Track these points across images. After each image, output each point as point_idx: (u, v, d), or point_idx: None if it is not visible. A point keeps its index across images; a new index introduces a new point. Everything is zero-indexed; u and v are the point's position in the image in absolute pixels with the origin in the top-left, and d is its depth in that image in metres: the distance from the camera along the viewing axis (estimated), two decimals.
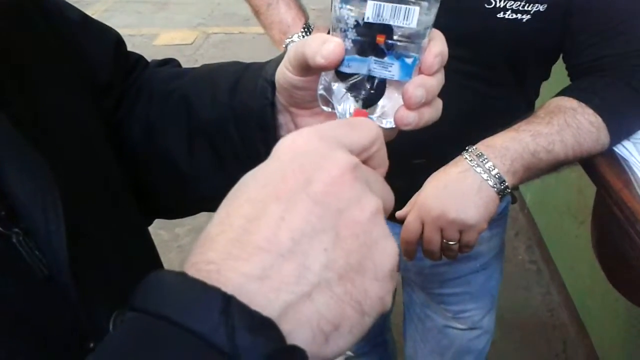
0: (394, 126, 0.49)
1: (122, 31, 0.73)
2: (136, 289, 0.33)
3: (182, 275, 0.33)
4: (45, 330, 0.44)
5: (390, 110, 0.48)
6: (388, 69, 0.47)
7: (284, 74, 0.55)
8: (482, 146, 1.02)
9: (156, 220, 0.75)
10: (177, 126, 0.66)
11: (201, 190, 0.66)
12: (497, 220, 1.32)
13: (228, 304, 0.31)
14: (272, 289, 0.32)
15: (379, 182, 0.40)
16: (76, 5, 0.66)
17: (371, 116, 0.49)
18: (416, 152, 1.08)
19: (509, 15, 1.02)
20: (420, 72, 0.47)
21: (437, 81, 0.48)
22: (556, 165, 1.04)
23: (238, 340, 0.30)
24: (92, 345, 0.46)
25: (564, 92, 1.09)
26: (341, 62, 0.46)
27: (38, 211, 0.45)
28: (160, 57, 0.77)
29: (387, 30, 0.46)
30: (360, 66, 0.47)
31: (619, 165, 1.03)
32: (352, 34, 0.46)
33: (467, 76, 1.10)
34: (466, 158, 1.02)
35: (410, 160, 1.11)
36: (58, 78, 0.58)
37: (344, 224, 0.35)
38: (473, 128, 1.05)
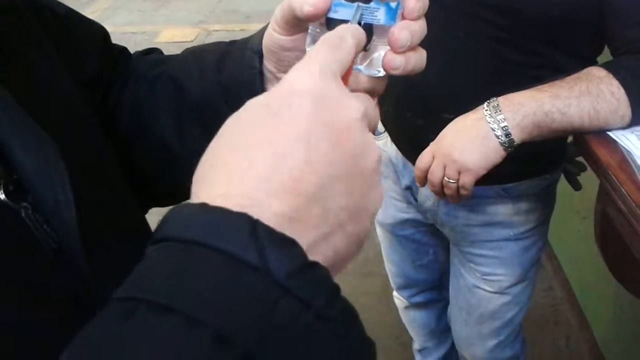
0: (382, 74, 0.50)
1: (123, 29, 0.74)
2: (158, 225, 0.35)
3: (205, 205, 0.34)
4: (56, 302, 0.45)
5: (378, 60, 0.50)
6: (374, 14, 0.49)
7: (271, 36, 0.57)
8: (501, 99, 1.09)
9: (157, 214, 0.74)
10: (167, 108, 0.67)
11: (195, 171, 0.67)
12: (537, 195, 1.37)
13: (255, 226, 0.33)
14: (300, 229, 0.35)
15: (371, 109, 0.42)
16: (78, 2, 0.67)
17: (359, 67, 0.50)
18: (447, 107, 1.18)
19: None
20: (404, 18, 0.49)
21: (420, 26, 0.49)
22: (572, 129, 1.09)
23: (268, 256, 0.32)
24: None
25: (601, 63, 1.13)
26: (329, 9, 0.48)
27: (46, 184, 0.46)
28: None
29: None
30: (347, 12, 0.48)
31: (622, 158, 1.02)
32: None
33: (500, 42, 1.16)
34: (484, 108, 1.09)
35: (441, 114, 1.19)
36: (48, 66, 0.59)
37: (357, 171, 0.38)
38: (503, 90, 1.11)
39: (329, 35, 0.43)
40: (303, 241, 0.34)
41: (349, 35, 0.43)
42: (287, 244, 0.33)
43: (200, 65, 0.66)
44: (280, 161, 0.35)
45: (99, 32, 0.71)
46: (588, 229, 1.63)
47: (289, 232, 0.34)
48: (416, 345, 1.97)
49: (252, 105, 0.38)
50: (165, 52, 0.77)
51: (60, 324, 0.44)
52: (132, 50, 0.77)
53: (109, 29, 0.73)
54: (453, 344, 1.78)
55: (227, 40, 0.69)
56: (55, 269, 0.46)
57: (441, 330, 1.85)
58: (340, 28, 0.44)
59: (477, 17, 1.15)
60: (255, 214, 0.33)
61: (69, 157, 0.48)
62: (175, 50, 0.75)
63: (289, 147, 0.35)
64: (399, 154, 1.41)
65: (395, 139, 1.41)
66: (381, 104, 1.53)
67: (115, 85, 0.70)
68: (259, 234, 0.32)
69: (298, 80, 0.39)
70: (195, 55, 0.69)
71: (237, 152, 0.36)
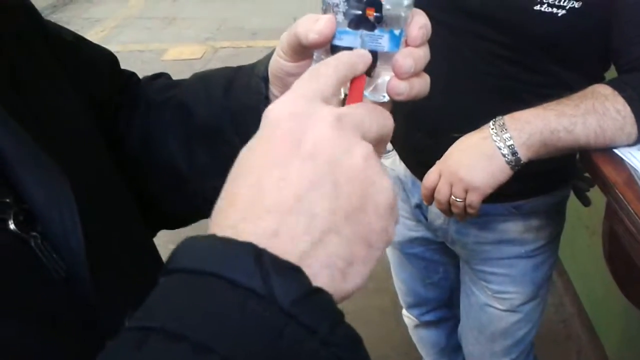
0: (387, 99, 0.51)
1: (131, 47, 0.74)
2: (169, 257, 0.36)
3: (213, 236, 0.36)
4: (66, 330, 0.45)
5: (382, 85, 0.51)
6: (378, 41, 0.50)
7: (277, 62, 0.58)
8: (507, 117, 1.09)
9: (164, 234, 0.75)
10: (175, 132, 0.68)
11: (203, 194, 0.68)
12: (547, 212, 1.37)
13: (260, 254, 0.34)
14: (287, 242, 0.35)
15: (368, 116, 0.42)
16: (86, 21, 0.68)
17: (364, 92, 0.51)
18: (456, 127, 1.17)
19: (545, 8, 1.09)
20: (407, 45, 0.50)
21: (423, 52, 0.50)
22: (578, 147, 1.09)
23: (273, 284, 0.33)
24: None
25: (606, 81, 1.13)
26: (334, 36, 0.49)
27: (55, 213, 0.47)
28: (169, 72, 0.78)
29: (376, 3, 0.49)
30: (351, 39, 0.50)
31: (629, 176, 1.02)
32: (343, 7, 0.49)
33: (506, 61, 1.17)
34: (490, 126, 1.09)
35: (450, 133, 1.18)
36: (57, 93, 0.59)
37: (339, 172, 0.38)
38: (512, 108, 1.11)
39: (317, 64, 0.45)
40: (295, 252, 0.35)
41: (333, 61, 0.44)
42: (292, 271, 0.34)
43: (208, 90, 0.67)
44: (258, 189, 0.37)
45: (107, 58, 0.72)
46: (597, 244, 1.62)
47: (276, 247, 0.35)
48: None
49: (241, 153, 0.40)
50: (173, 70, 0.78)
51: (73, 352, 0.44)
52: (139, 67, 0.78)
53: (116, 47, 0.75)
54: None
55: (233, 56, 0.70)
56: (65, 297, 0.46)
57: (452, 348, 1.84)
58: (337, 55, 0.46)
59: (483, 36, 1.15)
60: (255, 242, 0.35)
61: (77, 185, 0.49)
62: (183, 67, 0.76)
63: (263, 175, 0.37)
64: (408, 172, 1.41)
65: (403, 157, 1.41)
66: None
67: (124, 110, 0.71)
68: (264, 262, 0.33)
69: (272, 109, 0.40)
70: (203, 80, 0.70)
71: (222, 196, 0.39)
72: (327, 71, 0.43)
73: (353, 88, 0.47)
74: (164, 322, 0.32)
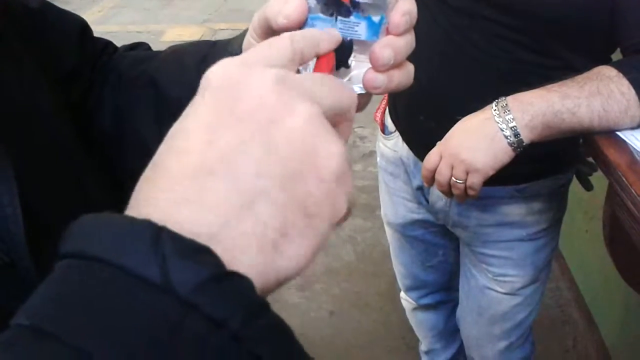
0: (363, 92, 0.47)
1: (128, 28, 0.73)
2: (62, 240, 0.31)
3: (107, 215, 0.31)
4: (9, 316, 0.44)
5: (358, 77, 0.47)
6: (354, 28, 0.45)
7: (249, 42, 0.55)
8: (510, 98, 1.07)
9: None
10: (146, 108, 0.66)
11: None
12: (550, 195, 1.37)
13: (158, 234, 0.29)
14: (207, 208, 0.31)
15: (320, 84, 0.38)
16: (83, 1, 0.65)
17: None
18: (461, 109, 1.15)
19: None
20: (388, 32, 0.45)
21: (405, 42, 0.45)
22: (581, 129, 1.07)
23: (171, 270, 0.28)
24: None
25: (611, 62, 1.11)
26: (305, 22, 0.45)
27: None
28: None
29: None
30: (324, 26, 0.45)
31: (631, 158, 1.01)
32: None
33: (511, 42, 1.15)
34: (493, 107, 1.08)
35: (454, 116, 1.17)
36: (12, 67, 0.56)
37: (277, 133, 0.33)
38: (514, 91, 1.09)
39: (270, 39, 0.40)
40: (215, 220, 0.31)
41: (291, 34, 0.40)
42: (197, 252, 0.29)
43: (181, 66, 0.65)
44: (182, 154, 0.33)
45: (77, 26, 0.69)
46: (596, 229, 1.62)
47: (192, 216, 0.31)
48: (423, 347, 1.96)
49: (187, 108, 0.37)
50: None
51: None
52: None
53: (114, 27, 0.73)
54: (461, 346, 1.77)
55: None
56: (7, 283, 0.45)
57: (449, 331, 1.85)
58: (299, 30, 0.42)
59: (489, 18, 1.14)
60: (149, 209, 0.31)
61: (25, 165, 0.47)
62: None
63: (190, 138, 0.33)
64: (411, 154, 1.40)
65: (407, 139, 1.40)
66: (393, 105, 1.52)
67: (96, 81, 0.69)
68: (162, 244, 0.28)
69: (212, 73, 0.36)
70: (176, 55, 0.68)
71: (151, 164, 0.35)
72: (282, 42, 0.39)
73: (317, 69, 0.42)
74: (37, 319, 0.28)
